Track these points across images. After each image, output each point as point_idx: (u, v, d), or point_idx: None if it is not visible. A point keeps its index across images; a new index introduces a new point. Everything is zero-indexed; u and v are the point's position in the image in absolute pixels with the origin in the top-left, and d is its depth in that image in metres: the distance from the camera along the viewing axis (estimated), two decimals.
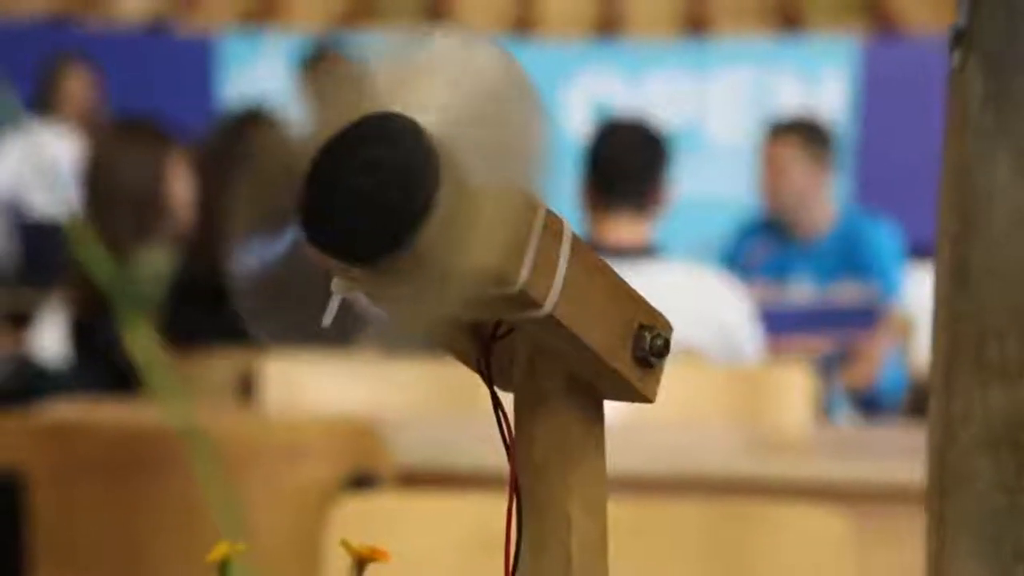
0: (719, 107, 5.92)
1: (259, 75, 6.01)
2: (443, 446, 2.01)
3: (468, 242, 0.49)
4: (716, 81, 5.94)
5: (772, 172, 3.73)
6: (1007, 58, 0.51)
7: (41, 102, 5.28)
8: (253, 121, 2.99)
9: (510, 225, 0.50)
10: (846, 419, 3.46)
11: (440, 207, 0.49)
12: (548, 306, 0.52)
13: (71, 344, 2.81)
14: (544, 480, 0.56)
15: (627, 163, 2.75)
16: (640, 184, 2.74)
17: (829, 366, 3.45)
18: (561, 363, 0.55)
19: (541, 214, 0.51)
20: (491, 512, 1.25)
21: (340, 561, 1.10)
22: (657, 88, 5.90)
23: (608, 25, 6.20)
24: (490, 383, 0.56)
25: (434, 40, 0.52)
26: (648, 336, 0.55)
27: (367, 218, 0.49)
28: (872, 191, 5.08)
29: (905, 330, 3.77)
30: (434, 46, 0.52)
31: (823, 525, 1.28)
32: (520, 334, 0.55)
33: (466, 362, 0.57)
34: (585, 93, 5.81)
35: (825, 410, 3.22)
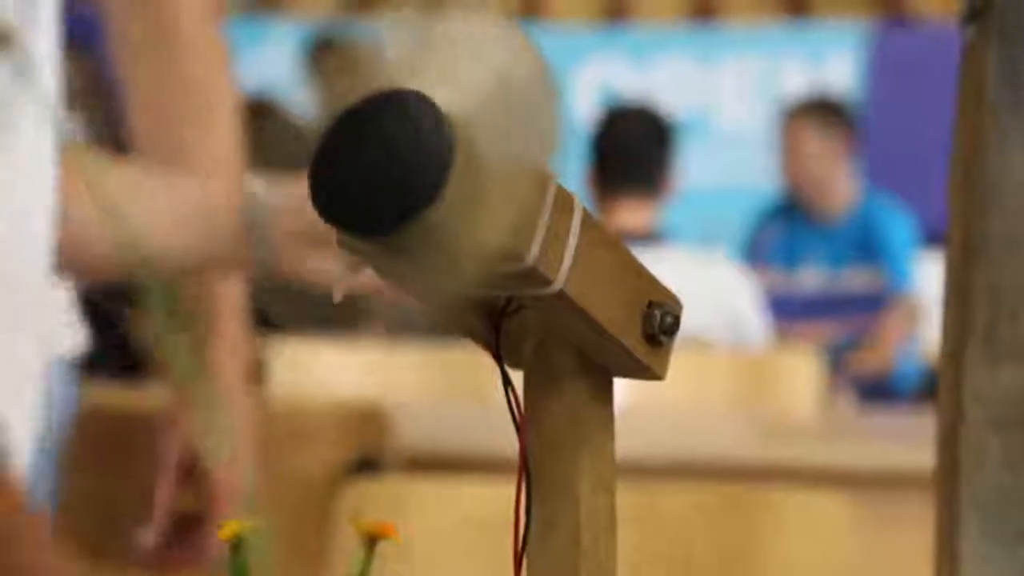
0: (727, 94, 5.90)
1: (267, 63, 5.99)
2: (450, 430, 2.01)
3: (479, 218, 0.49)
4: (724, 67, 5.92)
5: (793, 153, 3.74)
6: None
7: None
8: (261, 112, 2.98)
9: (521, 201, 0.50)
10: (851, 405, 3.46)
11: (452, 183, 0.49)
12: (558, 282, 0.51)
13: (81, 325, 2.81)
14: (553, 458, 0.56)
15: (632, 149, 2.75)
16: (645, 170, 2.73)
17: (839, 353, 3.45)
18: (571, 340, 0.55)
19: (552, 190, 0.51)
20: (498, 496, 1.25)
21: (347, 544, 1.10)
22: (665, 74, 5.88)
23: (616, 11, 6.18)
24: (500, 361, 0.56)
25: (447, 19, 0.52)
26: (658, 313, 0.55)
27: (379, 192, 0.48)
28: (881, 177, 5.07)
29: (917, 318, 3.78)
30: (447, 25, 0.52)
31: (828, 510, 1.28)
32: (530, 311, 0.55)
33: (476, 340, 0.57)
34: (593, 79, 5.80)
35: (833, 396, 3.22)
